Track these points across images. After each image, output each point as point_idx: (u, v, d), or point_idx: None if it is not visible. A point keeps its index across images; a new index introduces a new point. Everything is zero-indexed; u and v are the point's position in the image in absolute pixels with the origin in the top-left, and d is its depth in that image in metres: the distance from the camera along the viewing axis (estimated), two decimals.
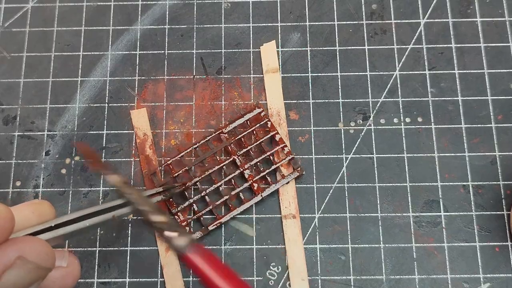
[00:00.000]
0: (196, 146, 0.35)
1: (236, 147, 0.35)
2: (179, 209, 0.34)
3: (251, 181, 0.34)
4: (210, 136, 0.35)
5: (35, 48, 0.38)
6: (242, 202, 0.34)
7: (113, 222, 0.27)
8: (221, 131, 0.35)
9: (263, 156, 0.34)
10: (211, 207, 0.33)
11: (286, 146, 0.35)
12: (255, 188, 0.34)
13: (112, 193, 0.35)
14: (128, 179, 0.35)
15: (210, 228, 0.33)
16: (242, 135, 0.35)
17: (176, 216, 0.34)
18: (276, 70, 0.37)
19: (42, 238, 0.23)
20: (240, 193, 0.34)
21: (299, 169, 0.34)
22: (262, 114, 0.36)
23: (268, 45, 0.38)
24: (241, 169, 0.34)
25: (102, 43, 0.38)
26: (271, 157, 0.35)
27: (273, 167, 0.34)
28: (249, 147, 0.35)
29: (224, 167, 0.34)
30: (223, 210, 0.34)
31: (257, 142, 0.35)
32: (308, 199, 0.34)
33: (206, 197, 0.34)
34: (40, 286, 0.21)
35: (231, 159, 0.34)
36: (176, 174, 0.34)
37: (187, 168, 0.34)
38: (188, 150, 0.35)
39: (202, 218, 0.34)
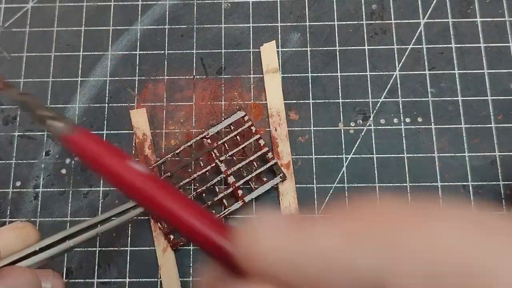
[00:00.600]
0: (178, 151, 0.34)
1: (219, 152, 0.35)
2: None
3: (234, 187, 0.34)
4: (192, 141, 0.35)
5: (35, 48, 0.38)
6: (225, 208, 0.34)
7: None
8: (203, 136, 0.35)
9: (245, 162, 0.34)
10: None
11: (269, 151, 0.34)
12: (239, 194, 0.34)
13: (111, 194, 0.35)
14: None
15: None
16: (224, 140, 0.34)
17: (158, 224, 0.34)
18: (276, 70, 0.37)
19: (27, 263, 0.23)
20: (224, 199, 0.34)
21: (281, 174, 0.34)
22: (245, 118, 0.35)
23: (268, 45, 0.38)
24: (224, 175, 0.34)
25: (102, 43, 0.38)
26: (254, 163, 0.34)
27: (254, 173, 0.34)
28: (231, 152, 0.34)
29: (207, 173, 0.34)
30: None
31: (239, 147, 0.34)
32: (308, 199, 0.34)
33: None
34: None
35: (213, 164, 0.34)
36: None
37: (169, 174, 0.34)
38: (170, 156, 0.34)
39: None
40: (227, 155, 0.34)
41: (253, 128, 0.35)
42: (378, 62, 0.37)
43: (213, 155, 0.34)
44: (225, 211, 0.33)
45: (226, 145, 0.35)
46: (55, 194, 0.35)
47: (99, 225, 0.28)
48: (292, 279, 0.12)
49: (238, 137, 0.35)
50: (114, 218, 0.28)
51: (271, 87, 0.37)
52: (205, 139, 0.35)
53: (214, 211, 0.34)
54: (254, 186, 0.34)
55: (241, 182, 0.34)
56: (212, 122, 0.36)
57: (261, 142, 0.34)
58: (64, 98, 0.37)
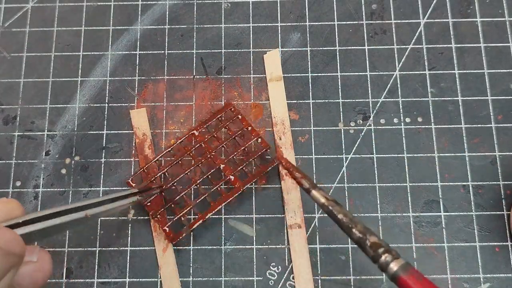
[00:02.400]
0: (170, 149, 0.34)
1: (212, 145, 0.35)
2: (158, 212, 0.33)
3: (227, 173, 0.33)
4: (183, 138, 0.35)
5: (35, 48, 0.38)
6: (223, 197, 0.33)
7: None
8: (193, 132, 0.35)
9: (239, 151, 0.34)
10: (190, 206, 0.33)
11: (260, 137, 0.34)
12: (232, 180, 0.33)
13: (110, 192, 0.35)
14: None
15: (193, 227, 0.33)
16: (214, 133, 0.35)
17: (156, 220, 0.33)
18: (280, 79, 0.37)
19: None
20: (219, 188, 0.34)
21: (273, 161, 0.34)
22: (232, 110, 0.35)
23: (271, 53, 0.38)
24: (217, 166, 0.34)
25: (102, 43, 0.38)
26: (246, 150, 0.34)
27: (250, 159, 0.34)
28: (223, 144, 0.34)
29: (200, 166, 0.34)
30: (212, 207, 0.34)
31: (231, 138, 0.34)
32: (308, 199, 0.34)
33: (185, 197, 0.33)
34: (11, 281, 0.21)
35: (208, 156, 0.34)
36: (153, 179, 0.34)
37: (163, 172, 0.34)
38: (163, 154, 0.35)
39: (183, 219, 0.33)
40: (218, 147, 0.34)
41: (240, 116, 0.35)
42: (378, 62, 0.37)
43: (204, 149, 0.34)
44: (221, 198, 0.33)
45: (217, 138, 0.35)
46: (55, 194, 0.35)
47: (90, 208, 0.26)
48: None
49: (228, 128, 0.35)
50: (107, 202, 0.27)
51: (275, 95, 0.37)
52: (194, 136, 0.35)
53: (211, 202, 0.33)
54: (249, 173, 0.34)
55: (237, 170, 0.33)
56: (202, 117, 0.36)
57: (249, 128, 0.35)
58: (64, 98, 0.37)
